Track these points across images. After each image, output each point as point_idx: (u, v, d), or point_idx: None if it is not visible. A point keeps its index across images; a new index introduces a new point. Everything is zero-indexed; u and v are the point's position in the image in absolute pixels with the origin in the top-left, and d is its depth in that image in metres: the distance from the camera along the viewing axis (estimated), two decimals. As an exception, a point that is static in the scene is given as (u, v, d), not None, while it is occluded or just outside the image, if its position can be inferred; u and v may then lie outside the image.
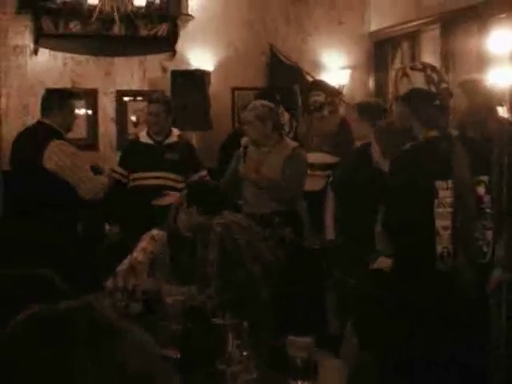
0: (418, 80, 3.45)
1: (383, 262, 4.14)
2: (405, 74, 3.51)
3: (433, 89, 3.44)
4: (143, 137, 5.99)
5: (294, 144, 5.59)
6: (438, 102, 3.44)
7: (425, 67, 3.51)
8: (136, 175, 5.82)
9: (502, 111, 5.06)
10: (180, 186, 5.66)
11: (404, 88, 3.50)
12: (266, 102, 5.71)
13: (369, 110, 5.66)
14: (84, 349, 1.10)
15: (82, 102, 7.85)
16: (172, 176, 5.77)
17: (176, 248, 4.50)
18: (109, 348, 1.12)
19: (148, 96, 7.04)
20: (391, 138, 4.72)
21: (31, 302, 1.45)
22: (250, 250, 4.38)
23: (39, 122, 5.63)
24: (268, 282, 4.40)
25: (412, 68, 3.54)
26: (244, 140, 5.66)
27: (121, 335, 1.15)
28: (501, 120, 4.50)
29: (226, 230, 4.37)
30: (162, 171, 5.75)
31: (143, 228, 4.66)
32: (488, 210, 3.49)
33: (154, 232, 4.55)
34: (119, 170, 5.93)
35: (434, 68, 3.57)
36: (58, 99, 5.63)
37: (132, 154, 5.95)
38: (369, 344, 3.56)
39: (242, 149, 5.62)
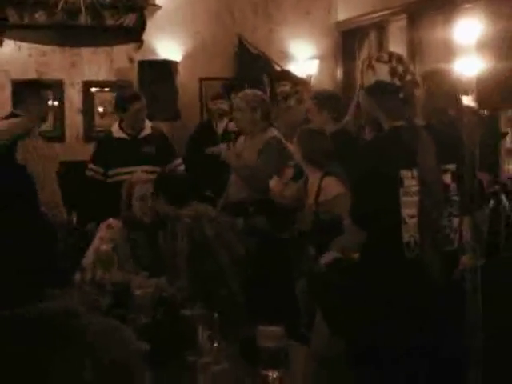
0: (383, 72, 3.46)
1: (328, 257, 4.19)
2: (370, 66, 3.51)
3: (397, 81, 3.46)
4: (116, 131, 5.91)
5: (273, 133, 5.60)
6: (401, 95, 3.46)
7: (390, 59, 3.52)
8: (115, 171, 5.73)
9: (468, 100, 5.11)
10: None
11: (369, 80, 3.51)
12: (257, 91, 5.79)
13: (327, 99, 5.71)
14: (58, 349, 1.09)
15: (49, 93, 7.78)
16: (151, 169, 5.73)
17: (133, 234, 4.50)
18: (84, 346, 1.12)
19: (115, 87, 7.00)
20: (312, 142, 4.86)
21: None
22: (218, 241, 4.37)
23: (12, 114, 5.58)
24: (237, 272, 4.40)
25: (377, 59, 3.55)
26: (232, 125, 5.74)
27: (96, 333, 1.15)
28: (464, 109, 4.54)
29: (195, 221, 4.36)
30: (141, 165, 5.69)
31: None
32: (454, 198, 3.52)
33: (110, 220, 4.54)
34: (94, 167, 5.83)
35: (399, 59, 3.58)
36: (29, 91, 5.59)
37: (107, 149, 5.85)
38: (338, 332, 3.58)
39: (232, 134, 5.69)
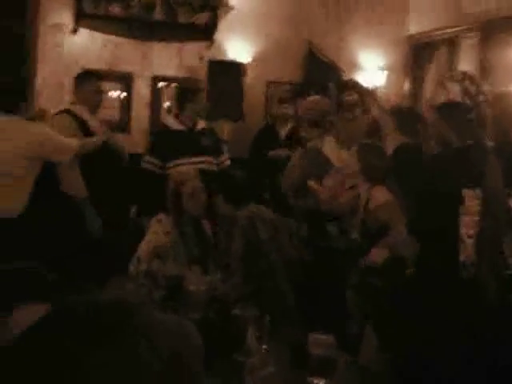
0: (455, 91, 3.44)
1: (376, 255, 4.18)
2: (442, 85, 3.50)
3: (468, 102, 3.43)
4: (173, 124, 5.98)
5: (318, 143, 5.70)
6: (472, 116, 3.43)
7: (463, 78, 3.50)
8: (174, 162, 5.77)
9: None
10: (218, 168, 5.89)
11: (440, 98, 3.49)
12: (309, 99, 5.91)
13: (401, 115, 5.69)
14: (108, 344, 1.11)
15: (117, 85, 7.91)
16: (210, 159, 5.84)
17: (182, 227, 4.52)
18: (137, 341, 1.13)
19: (183, 83, 7.06)
20: (370, 158, 4.87)
21: (22, 296, 1.47)
22: (272, 243, 4.39)
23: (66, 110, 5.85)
24: (289, 276, 4.41)
25: (450, 78, 3.53)
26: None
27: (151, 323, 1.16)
28: None
29: (250, 222, 4.39)
30: (201, 155, 5.79)
31: None
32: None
33: (160, 215, 4.57)
34: (151, 159, 5.87)
35: (472, 79, 3.55)
36: (88, 81, 5.83)
37: (166, 142, 5.90)
38: (387, 346, 3.56)
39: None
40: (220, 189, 4.60)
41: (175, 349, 1.17)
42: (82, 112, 5.84)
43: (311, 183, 5.39)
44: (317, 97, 6.11)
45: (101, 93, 6.02)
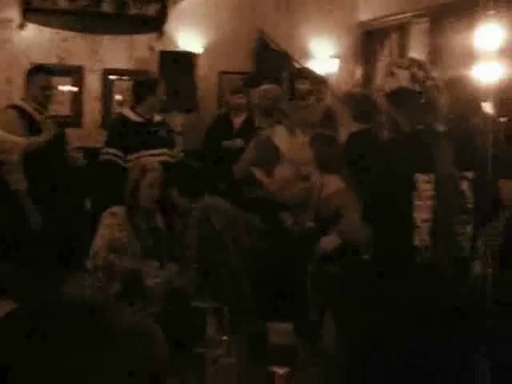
0: (404, 78, 3.47)
1: (326, 242, 4.21)
2: (391, 72, 3.52)
3: (417, 87, 3.46)
4: (130, 115, 5.91)
5: (269, 132, 5.71)
6: (422, 101, 3.46)
7: (411, 64, 3.52)
8: (139, 153, 5.71)
9: (487, 107, 5.09)
10: (173, 160, 5.80)
11: (390, 86, 3.51)
12: (262, 87, 5.89)
13: (354, 101, 5.72)
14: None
15: (67, 79, 7.83)
16: (168, 151, 5.81)
17: (136, 220, 4.48)
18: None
19: (134, 75, 7.02)
20: (324, 148, 4.91)
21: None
22: (228, 234, 4.39)
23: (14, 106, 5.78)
24: (247, 266, 4.42)
25: (398, 65, 3.55)
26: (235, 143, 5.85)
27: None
28: (485, 116, 4.53)
29: (204, 214, 4.37)
30: (159, 148, 5.75)
31: None
32: (470, 206, 3.52)
33: (113, 208, 4.52)
34: (112, 151, 5.78)
35: (420, 65, 3.58)
36: (36, 76, 5.78)
37: (124, 133, 5.83)
38: (345, 331, 3.58)
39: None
40: (175, 181, 4.58)
41: (139, 349, 1.16)
42: (30, 108, 5.78)
43: (258, 173, 5.40)
44: (269, 85, 6.11)
45: (50, 88, 5.95)
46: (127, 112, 5.96)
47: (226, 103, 7.70)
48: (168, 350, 1.50)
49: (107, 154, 5.68)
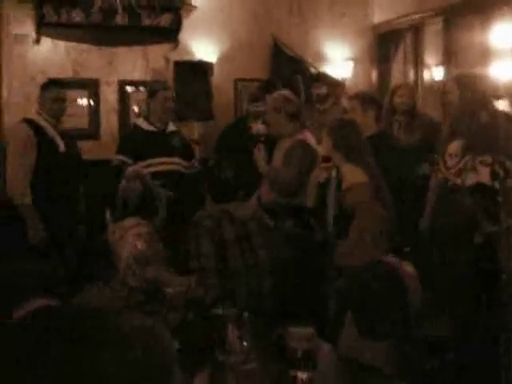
0: (485, 175, 3.51)
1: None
2: (473, 167, 3.57)
3: (497, 185, 3.50)
4: (144, 124, 5.98)
5: (301, 137, 5.60)
6: (500, 199, 3.50)
7: (493, 163, 3.57)
8: (147, 162, 5.76)
9: (503, 104, 5.07)
10: (187, 171, 5.84)
11: (470, 180, 3.56)
12: (285, 92, 5.82)
13: (372, 101, 5.70)
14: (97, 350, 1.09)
15: (84, 92, 7.87)
16: (180, 161, 5.84)
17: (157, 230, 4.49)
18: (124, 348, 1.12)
19: (150, 86, 7.05)
20: (342, 131, 4.81)
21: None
22: (239, 244, 4.36)
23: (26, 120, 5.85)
24: (264, 273, 4.39)
25: (481, 162, 3.60)
26: (257, 128, 5.73)
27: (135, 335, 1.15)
28: (495, 113, 4.50)
29: (215, 223, 4.36)
30: (171, 157, 5.79)
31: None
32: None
33: (134, 218, 4.52)
34: (122, 157, 5.86)
35: (502, 163, 3.62)
36: (50, 90, 5.83)
37: (136, 141, 5.90)
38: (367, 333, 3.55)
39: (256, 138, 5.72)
40: (208, 189, 4.59)
41: (147, 350, 1.15)
42: (43, 121, 5.82)
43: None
44: (286, 91, 6.07)
45: (62, 101, 5.97)
46: (140, 121, 6.06)
47: (246, 112, 7.70)
48: (176, 354, 1.48)
49: (115, 160, 5.79)
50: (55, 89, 5.93)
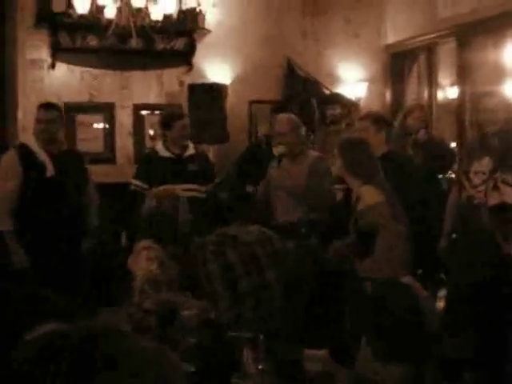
0: (509, 194, 3.53)
1: None
2: (496, 187, 3.59)
3: None
4: (162, 151, 5.99)
5: (316, 153, 5.75)
6: None
7: None
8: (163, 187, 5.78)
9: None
10: (202, 195, 5.84)
11: (494, 200, 3.57)
12: (290, 115, 5.96)
13: (384, 121, 5.71)
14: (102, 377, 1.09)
15: (99, 116, 7.92)
16: (196, 187, 5.84)
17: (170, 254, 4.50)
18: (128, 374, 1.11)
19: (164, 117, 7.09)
20: (354, 152, 4.80)
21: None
22: (244, 266, 4.34)
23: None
24: (274, 293, 4.37)
25: (503, 182, 3.62)
26: (278, 149, 5.79)
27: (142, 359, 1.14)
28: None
29: (219, 246, 4.36)
30: (187, 183, 5.79)
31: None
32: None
33: (147, 242, 4.54)
34: (139, 183, 5.88)
35: None
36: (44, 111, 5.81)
37: (152, 167, 5.92)
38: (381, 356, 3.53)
39: (277, 158, 5.79)
40: (208, 212, 4.59)
41: (158, 374, 1.15)
42: (35, 145, 5.78)
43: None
44: (285, 114, 6.25)
45: (49, 122, 5.76)
46: (158, 147, 6.06)
47: (256, 132, 7.72)
48: (202, 374, 1.48)
49: (131, 184, 5.82)
50: (43, 111, 5.82)
